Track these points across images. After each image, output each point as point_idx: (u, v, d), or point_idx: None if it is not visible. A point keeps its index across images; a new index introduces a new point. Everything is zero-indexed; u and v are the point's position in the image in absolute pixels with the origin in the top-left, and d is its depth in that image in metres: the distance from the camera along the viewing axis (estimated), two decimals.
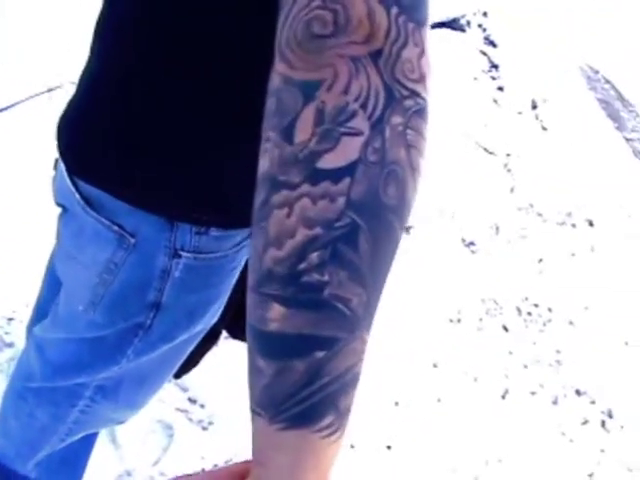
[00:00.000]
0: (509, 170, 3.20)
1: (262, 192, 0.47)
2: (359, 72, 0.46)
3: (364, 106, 0.46)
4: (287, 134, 0.46)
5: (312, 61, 0.46)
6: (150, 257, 0.82)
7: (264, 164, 0.48)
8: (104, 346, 0.91)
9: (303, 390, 0.47)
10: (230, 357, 1.79)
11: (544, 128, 3.59)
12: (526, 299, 2.64)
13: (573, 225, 3.22)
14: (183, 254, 0.82)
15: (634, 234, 3.42)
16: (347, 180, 0.45)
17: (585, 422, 2.33)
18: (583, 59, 5.04)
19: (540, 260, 2.83)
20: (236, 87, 0.76)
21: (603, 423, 2.36)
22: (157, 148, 0.79)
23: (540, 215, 3.07)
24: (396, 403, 2.14)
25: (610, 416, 2.39)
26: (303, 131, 0.46)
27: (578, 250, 3.06)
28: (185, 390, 1.89)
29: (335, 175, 0.45)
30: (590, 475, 2.19)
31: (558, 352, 2.51)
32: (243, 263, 0.91)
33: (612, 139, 4.14)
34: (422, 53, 0.49)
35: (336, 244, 0.45)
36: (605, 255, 3.14)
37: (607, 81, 5.03)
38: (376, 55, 0.46)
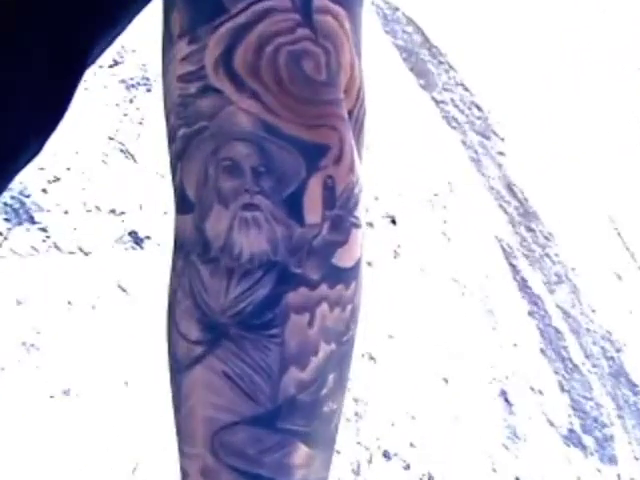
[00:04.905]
0: None
1: (267, 283, 0.36)
2: (353, 143, 0.38)
3: (360, 190, 0.39)
4: (293, 210, 0.36)
5: (308, 115, 0.37)
6: None
7: (257, 241, 0.36)
8: None
9: None
10: None
11: None
12: None
13: None
14: None
15: (434, 201, 3.42)
16: (354, 285, 0.38)
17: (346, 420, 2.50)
18: None
19: None
20: None
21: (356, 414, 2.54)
22: None
23: None
24: None
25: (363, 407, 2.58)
26: (313, 211, 0.37)
27: None
28: None
29: (347, 277, 0.38)
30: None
31: None
32: None
33: (417, 100, 3.59)
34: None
35: (342, 363, 0.38)
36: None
37: (410, 21, 3.95)
38: (349, 117, 0.38)
